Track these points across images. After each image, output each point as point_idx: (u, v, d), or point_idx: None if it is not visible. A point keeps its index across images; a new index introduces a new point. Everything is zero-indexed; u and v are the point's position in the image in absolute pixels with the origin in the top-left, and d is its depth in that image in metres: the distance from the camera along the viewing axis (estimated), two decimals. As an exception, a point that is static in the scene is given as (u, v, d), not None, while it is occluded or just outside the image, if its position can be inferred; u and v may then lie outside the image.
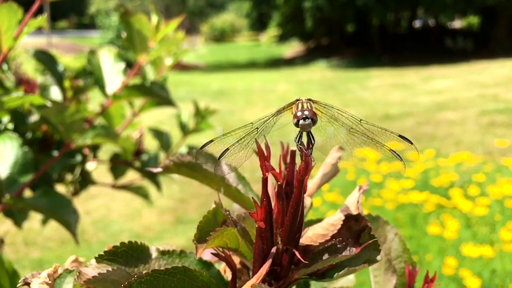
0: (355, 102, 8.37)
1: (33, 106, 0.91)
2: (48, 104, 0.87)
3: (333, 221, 0.41)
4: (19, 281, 0.41)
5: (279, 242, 0.37)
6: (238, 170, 0.48)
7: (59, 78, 1.07)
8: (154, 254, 0.41)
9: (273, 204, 0.37)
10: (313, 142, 0.39)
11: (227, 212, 0.36)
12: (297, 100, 0.41)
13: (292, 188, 0.37)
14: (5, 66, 1.10)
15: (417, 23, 20.46)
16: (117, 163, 1.30)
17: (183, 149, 1.36)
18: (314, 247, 0.40)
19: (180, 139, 1.37)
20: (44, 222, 1.19)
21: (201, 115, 1.38)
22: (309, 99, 0.41)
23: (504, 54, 13.36)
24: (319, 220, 0.44)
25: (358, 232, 0.40)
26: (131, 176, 1.39)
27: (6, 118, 1.05)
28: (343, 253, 0.36)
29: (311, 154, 0.37)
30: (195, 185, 4.02)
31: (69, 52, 15.77)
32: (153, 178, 1.25)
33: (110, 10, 24.21)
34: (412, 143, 0.41)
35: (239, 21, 31.28)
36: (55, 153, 1.10)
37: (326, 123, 0.43)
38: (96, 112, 1.08)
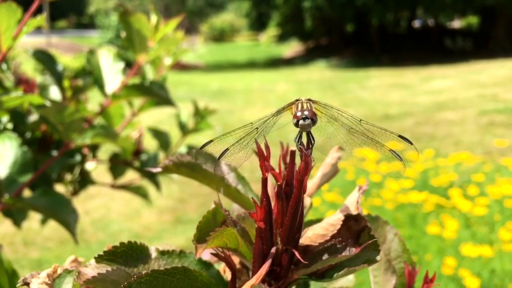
0: (355, 102, 8.37)
1: (32, 106, 0.90)
2: (47, 103, 0.87)
3: (332, 221, 0.41)
4: (19, 281, 0.41)
5: (279, 242, 0.37)
6: (238, 170, 0.48)
7: (58, 78, 1.07)
8: (153, 254, 0.40)
9: (272, 204, 0.37)
10: (313, 142, 0.39)
11: (227, 212, 0.36)
12: (297, 100, 0.41)
13: (291, 188, 0.36)
14: (4, 66, 1.10)
15: (417, 23, 20.47)
16: (116, 163, 1.29)
17: (183, 149, 1.35)
18: (313, 247, 0.40)
19: (180, 139, 1.37)
20: (44, 222, 1.19)
21: (200, 115, 1.38)
22: (309, 99, 0.41)
23: (503, 54, 13.37)
24: (318, 220, 0.44)
25: (357, 232, 0.40)
26: (131, 176, 1.39)
27: (5, 118, 1.04)
28: (343, 253, 0.36)
29: (311, 154, 0.37)
30: (194, 185, 4.02)
31: (68, 51, 15.76)
32: (152, 178, 1.25)
33: (109, 10, 24.19)
34: (411, 143, 0.41)
35: (238, 21, 31.29)
36: (54, 153, 1.10)
37: (325, 123, 0.43)
38: (96, 111, 1.08)
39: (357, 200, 0.42)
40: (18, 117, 1.06)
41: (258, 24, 22.99)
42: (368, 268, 0.41)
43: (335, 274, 0.37)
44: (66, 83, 1.19)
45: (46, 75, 1.27)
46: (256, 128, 0.40)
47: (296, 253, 0.36)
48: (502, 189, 3.32)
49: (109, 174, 1.33)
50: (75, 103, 1.22)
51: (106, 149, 1.37)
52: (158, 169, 0.48)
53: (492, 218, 2.99)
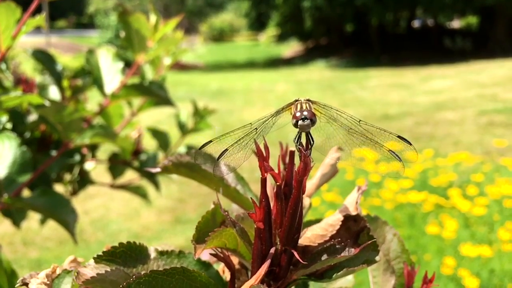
0: (354, 102, 8.37)
1: (31, 106, 0.90)
2: (47, 103, 0.87)
3: (332, 221, 0.41)
4: (18, 281, 0.41)
5: (278, 243, 0.37)
6: (237, 170, 0.48)
7: (57, 78, 1.07)
8: (152, 254, 0.40)
9: (272, 205, 0.37)
10: (312, 142, 0.39)
11: (226, 213, 0.36)
12: (296, 100, 0.41)
13: (291, 188, 0.36)
14: (3, 66, 1.10)
15: (416, 23, 20.48)
16: (115, 163, 1.29)
17: (182, 149, 1.35)
18: (313, 247, 0.40)
19: (179, 139, 1.37)
20: (43, 222, 1.19)
21: (200, 114, 1.38)
22: (308, 100, 0.41)
23: (503, 54, 13.38)
24: (318, 221, 0.44)
25: (357, 233, 0.40)
26: (130, 175, 1.39)
27: (4, 118, 1.04)
28: (342, 254, 0.36)
29: (310, 154, 0.37)
30: (193, 185, 4.01)
31: (68, 51, 15.76)
32: (151, 178, 1.25)
33: (109, 10, 24.18)
34: (410, 144, 0.41)
35: (238, 21, 31.28)
36: (54, 153, 1.10)
37: (325, 123, 0.43)
38: (95, 111, 1.08)
39: (356, 201, 0.42)
40: (17, 117, 1.06)
41: (257, 24, 22.97)
42: (367, 268, 0.41)
43: (334, 275, 0.37)
44: (65, 83, 1.19)
45: (46, 75, 1.27)
46: (255, 128, 0.40)
47: (295, 254, 0.36)
48: (501, 189, 3.32)
49: (108, 174, 1.33)
50: (75, 103, 1.22)
51: (106, 149, 1.37)
52: (157, 169, 0.47)
53: (492, 218, 3.00)
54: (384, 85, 10.19)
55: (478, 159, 4.30)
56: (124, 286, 0.33)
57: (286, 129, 0.42)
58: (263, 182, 0.36)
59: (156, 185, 1.26)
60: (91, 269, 0.37)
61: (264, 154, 0.36)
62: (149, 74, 1.23)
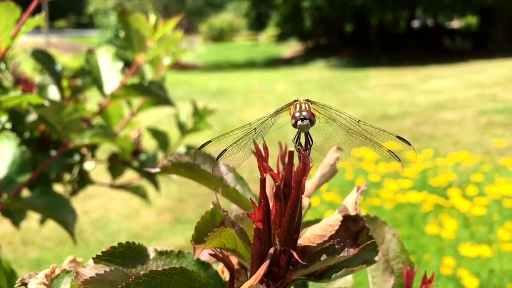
0: (354, 102, 8.37)
1: (31, 106, 0.90)
2: (46, 103, 0.87)
3: (331, 222, 0.41)
4: (17, 281, 0.41)
5: (277, 243, 0.37)
6: (236, 171, 0.48)
7: (57, 78, 1.07)
8: (151, 254, 0.40)
9: (271, 205, 0.37)
10: (311, 143, 0.39)
11: (225, 213, 0.36)
12: (295, 101, 0.41)
13: (290, 188, 0.36)
14: (3, 66, 1.10)
15: (416, 23, 20.48)
16: (115, 163, 1.29)
17: (182, 149, 1.35)
18: (312, 248, 0.40)
19: (179, 139, 1.37)
20: (42, 221, 1.19)
21: (199, 114, 1.38)
22: (307, 100, 0.41)
23: (502, 54, 13.38)
24: (317, 221, 0.44)
25: (356, 233, 0.40)
26: (129, 175, 1.39)
27: (4, 118, 1.04)
28: (341, 254, 0.36)
29: (309, 154, 0.37)
30: (193, 185, 4.01)
31: (67, 51, 15.75)
32: (151, 178, 1.25)
33: (108, 10, 24.18)
34: (410, 145, 0.41)
35: (237, 21, 31.27)
36: (53, 153, 1.10)
37: (324, 124, 0.43)
38: (94, 111, 1.08)
39: (355, 201, 0.42)
40: (16, 116, 1.06)
41: (257, 24, 22.98)
42: (366, 268, 0.41)
43: (333, 275, 0.37)
44: (65, 83, 1.19)
45: (45, 74, 1.27)
46: (254, 128, 0.40)
47: (294, 254, 0.36)
48: (501, 189, 3.33)
49: (108, 174, 1.33)
50: (74, 103, 1.22)
51: (105, 149, 1.36)
52: (157, 170, 0.47)
53: (491, 218, 3.00)
54: (383, 85, 10.19)
55: (478, 159, 4.31)
56: (123, 286, 0.33)
57: (285, 129, 0.42)
58: (262, 182, 0.36)
59: (156, 185, 1.26)
60: (90, 269, 0.37)
61: (263, 154, 0.36)
62: (149, 74, 1.23)
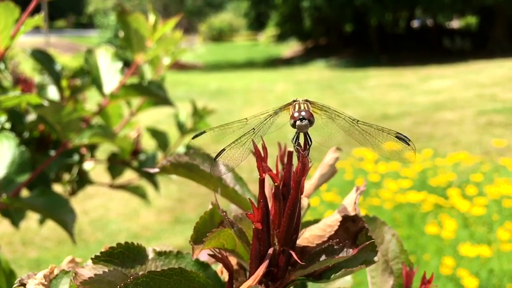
0: (353, 102, 8.37)
1: (30, 106, 0.90)
2: (45, 103, 0.87)
3: (330, 222, 0.41)
4: (15, 281, 0.41)
5: (276, 243, 0.37)
6: (236, 171, 0.48)
7: (56, 78, 1.07)
8: (150, 255, 0.40)
9: (270, 205, 0.37)
10: (310, 143, 0.39)
11: (224, 213, 0.36)
12: (294, 101, 0.41)
13: (289, 189, 0.36)
14: (2, 65, 1.10)
15: (415, 23, 20.48)
16: (114, 163, 1.29)
17: (181, 149, 1.35)
18: (311, 248, 0.40)
19: (178, 139, 1.37)
20: (42, 222, 1.19)
21: (199, 114, 1.38)
22: (306, 100, 0.41)
23: (502, 54, 13.39)
24: (316, 221, 0.44)
25: (355, 233, 0.40)
26: (129, 175, 1.39)
27: (3, 118, 1.04)
28: (340, 254, 0.36)
29: (308, 155, 0.37)
30: (193, 185, 4.00)
31: (67, 51, 15.75)
32: (150, 178, 1.25)
33: (108, 10, 24.18)
34: (409, 139, 0.40)
35: (237, 21, 31.27)
36: (52, 153, 1.10)
37: (323, 124, 0.43)
38: (94, 111, 1.08)
39: (354, 201, 0.42)
40: (16, 116, 1.05)
41: (257, 24, 22.98)
42: (365, 269, 0.41)
43: (333, 275, 0.37)
44: (64, 83, 1.19)
45: (45, 74, 1.27)
46: (253, 128, 0.40)
47: (293, 254, 0.36)
48: (500, 189, 3.33)
49: (108, 174, 1.32)
50: (73, 103, 1.22)
51: (104, 149, 1.36)
52: (156, 170, 0.47)
53: (491, 218, 3.00)
54: (383, 85, 10.19)
55: (477, 159, 4.31)
56: (122, 286, 0.33)
57: (285, 129, 0.42)
58: (261, 182, 0.36)
59: (155, 185, 1.26)
60: (89, 270, 0.37)
61: (262, 155, 0.35)
62: (148, 74, 1.23)
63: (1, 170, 0.84)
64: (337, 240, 0.38)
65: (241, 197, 0.48)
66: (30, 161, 0.86)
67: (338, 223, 0.40)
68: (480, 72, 10.90)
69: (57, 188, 1.17)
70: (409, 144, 0.40)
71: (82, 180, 1.29)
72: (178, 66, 14.86)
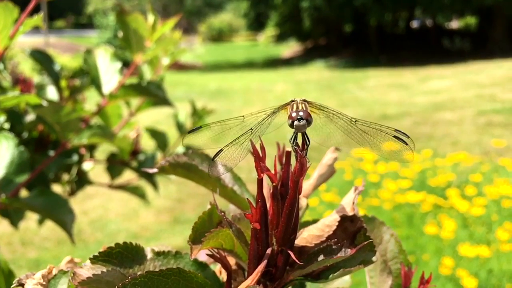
0: (353, 102, 8.37)
1: (29, 106, 0.90)
2: (44, 103, 0.87)
3: (328, 222, 0.41)
4: (13, 281, 0.41)
5: (274, 243, 0.37)
6: (234, 171, 0.48)
7: (55, 78, 1.07)
8: (149, 255, 0.40)
9: (268, 205, 0.37)
10: (308, 143, 0.39)
11: (222, 213, 0.36)
12: (292, 101, 0.41)
13: (287, 189, 0.36)
14: (1, 66, 1.10)
15: (415, 24, 20.49)
16: (113, 163, 1.29)
17: (180, 149, 1.35)
18: (309, 248, 0.40)
19: (177, 139, 1.37)
20: (41, 222, 1.19)
21: (198, 115, 1.38)
22: (304, 100, 0.41)
23: (501, 54, 13.39)
24: (315, 221, 0.44)
25: (353, 233, 0.40)
26: (128, 176, 1.39)
27: (2, 118, 1.04)
28: (338, 254, 0.36)
29: (306, 155, 0.37)
30: (192, 185, 4.00)
31: (66, 51, 15.74)
32: (150, 178, 1.25)
33: (107, 10, 24.18)
34: (408, 136, 0.40)
35: (237, 21, 31.26)
36: (51, 153, 1.10)
37: (322, 123, 0.43)
38: (93, 111, 1.08)
39: (353, 201, 0.42)
40: (15, 117, 1.06)
41: (256, 24, 22.97)
42: (364, 269, 0.41)
43: (331, 275, 0.37)
44: (63, 83, 1.19)
45: (44, 75, 1.27)
46: (251, 128, 0.40)
47: (292, 254, 0.36)
48: (499, 189, 3.33)
49: (107, 174, 1.32)
50: (72, 103, 1.22)
51: (104, 149, 1.36)
52: (154, 170, 0.47)
53: (490, 218, 3.00)
54: (382, 85, 10.19)
55: (477, 159, 4.31)
56: (120, 286, 0.33)
57: (284, 129, 0.42)
58: (260, 182, 0.36)
59: (155, 185, 1.26)
60: (87, 270, 0.37)
61: (261, 155, 0.36)
62: (147, 74, 1.23)
63: (0, 170, 0.84)
64: (336, 240, 0.38)
65: (239, 197, 0.48)
66: (29, 161, 0.86)
67: (337, 223, 0.40)
68: (479, 72, 10.91)
69: (56, 188, 1.17)
70: (407, 144, 0.40)
71: (81, 180, 1.29)
72: (178, 66, 14.86)
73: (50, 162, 1.01)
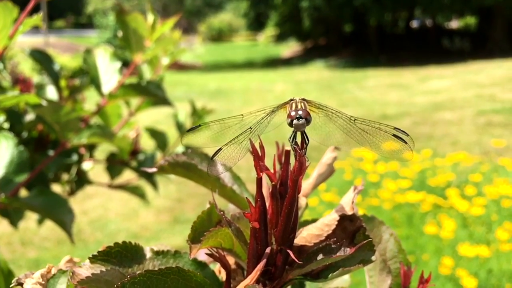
0: (353, 102, 8.38)
1: (28, 106, 0.90)
2: (44, 103, 0.87)
3: (327, 221, 0.41)
4: (13, 281, 0.41)
5: (274, 243, 0.37)
6: (234, 170, 0.48)
7: (55, 78, 1.07)
8: (148, 254, 0.40)
9: (267, 204, 0.37)
10: (307, 142, 0.39)
11: (222, 212, 0.36)
12: (291, 100, 0.41)
13: (286, 188, 0.36)
14: (0, 65, 1.10)
15: (415, 23, 20.49)
16: (113, 163, 1.29)
17: (180, 149, 1.35)
18: (308, 247, 0.40)
19: (177, 139, 1.37)
20: (40, 222, 1.19)
21: (198, 114, 1.38)
22: (303, 99, 0.41)
23: (501, 54, 13.39)
24: (314, 221, 0.44)
25: (353, 233, 0.40)
26: (128, 175, 1.39)
27: (2, 117, 1.04)
28: (338, 254, 0.36)
29: (305, 154, 0.37)
30: (191, 184, 4.00)
31: (66, 51, 15.73)
32: (149, 178, 1.25)
33: (107, 10, 24.18)
34: (407, 134, 0.40)
35: (236, 21, 31.25)
36: (51, 153, 1.10)
37: (322, 122, 0.43)
38: (92, 111, 1.08)
39: (352, 200, 0.42)
40: (14, 116, 1.05)
41: (256, 24, 22.96)
42: (363, 268, 0.41)
43: (330, 274, 0.37)
44: (63, 83, 1.19)
45: (44, 74, 1.27)
46: (250, 127, 0.40)
47: (291, 253, 0.35)
48: (499, 189, 3.33)
49: (106, 174, 1.32)
50: (72, 103, 1.22)
51: (103, 149, 1.36)
52: (154, 169, 0.47)
53: (490, 218, 3.00)
54: (382, 85, 10.19)
55: (476, 159, 4.31)
56: (119, 286, 0.33)
57: (283, 129, 0.42)
58: (259, 181, 0.36)
59: (154, 185, 1.26)
60: (86, 269, 0.37)
61: (260, 154, 0.35)
62: (147, 74, 1.23)
63: (0, 170, 0.84)
64: (335, 239, 0.38)
65: (239, 197, 0.48)
66: (28, 161, 0.86)
67: (336, 222, 0.40)
68: (479, 72, 10.91)
69: (56, 188, 1.17)
70: (406, 142, 0.40)
71: (81, 180, 1.29)
72: (177, 66, 14.85)
73: (49, 161, 1.00)
